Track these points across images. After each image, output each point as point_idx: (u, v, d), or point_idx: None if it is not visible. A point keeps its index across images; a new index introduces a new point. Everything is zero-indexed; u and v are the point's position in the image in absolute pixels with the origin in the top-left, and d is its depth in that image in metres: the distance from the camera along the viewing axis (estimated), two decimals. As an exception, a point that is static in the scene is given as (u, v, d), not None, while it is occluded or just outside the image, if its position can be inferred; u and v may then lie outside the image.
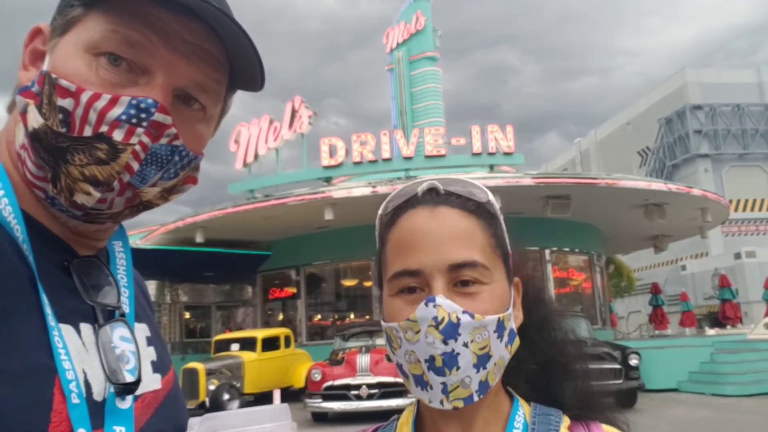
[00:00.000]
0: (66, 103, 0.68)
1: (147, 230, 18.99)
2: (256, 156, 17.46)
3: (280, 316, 20.07)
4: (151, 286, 19.94)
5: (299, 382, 14.02)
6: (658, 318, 22.29)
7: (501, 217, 0.86)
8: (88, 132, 0.69)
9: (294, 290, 19.11)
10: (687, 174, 39.58)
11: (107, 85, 0.70)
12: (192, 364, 12.99)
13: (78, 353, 0.69)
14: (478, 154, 16.55)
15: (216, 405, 12.19)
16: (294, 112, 17.38)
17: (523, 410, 0.83)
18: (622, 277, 29.53)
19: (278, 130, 17.37)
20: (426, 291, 0.77)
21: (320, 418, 11.46)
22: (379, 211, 0.87)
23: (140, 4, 0.70)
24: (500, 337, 0.77)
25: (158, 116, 0.70)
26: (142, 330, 0.82)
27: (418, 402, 0.86)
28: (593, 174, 18.77)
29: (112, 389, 0.71)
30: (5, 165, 0.74)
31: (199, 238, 16.87)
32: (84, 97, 0.68)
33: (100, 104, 0.68)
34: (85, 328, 0.72)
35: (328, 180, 16.83)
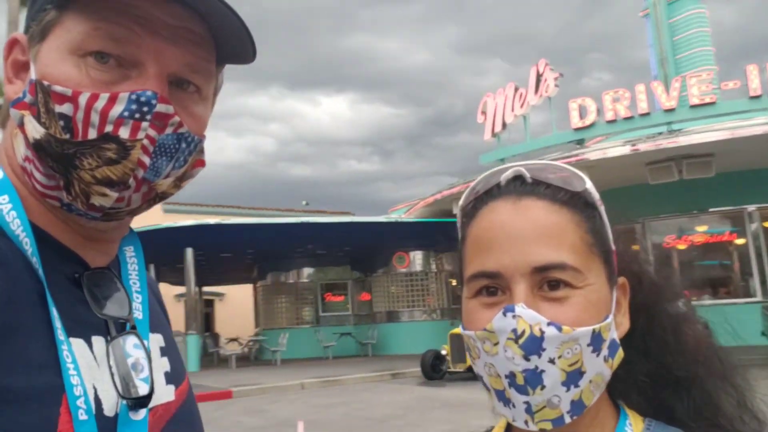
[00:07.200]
0: (65, 108, 0.68)
1: (408, 204, 20.41)
2: (504, 125, 17.55)
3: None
4: (418, 255, 21.56)
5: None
6: None
7: (601, 208, 0.73)
8: (92, 134, 0.68)
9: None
10: None
11: (100, 85, 0.68)
12: (458, 330, 13.70)
13: (89, 368, 0.68)
14: (757, 97, 14.39)
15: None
16: (539, 77, 17.02)
17: (633, 427, 0.72)
18: None
19: (524, 97, 17.22)
20: (507, 294, 0.68)
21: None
22: (461, 202, 0.79)
23: None
24: (596, 350, 0.66)
25: (160, 107, 0.69)
26: (156, 340, 0.82)
27: None
28: None
29: (124, 403, 0.69)
30: (10, 179, 0.74)
31: (455, 210, 17.54)
32: (82, 100, 0.67)
33: (100, 104, 0.67)
34: (97, 341, 0.72)
35: (580, 142, 16.22)
